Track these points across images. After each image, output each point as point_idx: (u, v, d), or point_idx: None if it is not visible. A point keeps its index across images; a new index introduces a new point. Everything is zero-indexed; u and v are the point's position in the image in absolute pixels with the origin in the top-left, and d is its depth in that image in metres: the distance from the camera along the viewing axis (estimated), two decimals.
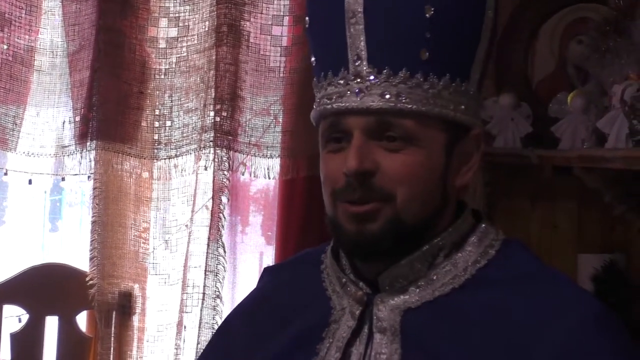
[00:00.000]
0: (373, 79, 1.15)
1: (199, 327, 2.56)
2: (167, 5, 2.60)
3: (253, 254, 2.78)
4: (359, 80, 1.15)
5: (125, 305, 2.60)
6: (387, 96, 1.13)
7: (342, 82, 1.17)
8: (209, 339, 1.60)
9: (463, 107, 1.17)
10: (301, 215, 2.61)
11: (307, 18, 1.27)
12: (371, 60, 1.15)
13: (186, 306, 2.61)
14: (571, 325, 1.07)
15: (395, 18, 1.15)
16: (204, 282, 2.59)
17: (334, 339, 1.20)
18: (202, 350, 1.62)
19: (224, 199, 2.62)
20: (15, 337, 2.56)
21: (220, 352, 1.41)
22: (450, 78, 1.15)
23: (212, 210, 2.61)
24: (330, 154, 1.18)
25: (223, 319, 1.75)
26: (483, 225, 1.22)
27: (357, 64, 1.16)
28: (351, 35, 1.16)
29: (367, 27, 1.15)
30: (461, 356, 1.11)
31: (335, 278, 1.25)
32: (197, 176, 2.64)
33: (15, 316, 2.61)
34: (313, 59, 1.25)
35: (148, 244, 2.65)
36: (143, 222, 2.65)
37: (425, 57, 1.13)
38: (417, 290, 1.17)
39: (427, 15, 1.12)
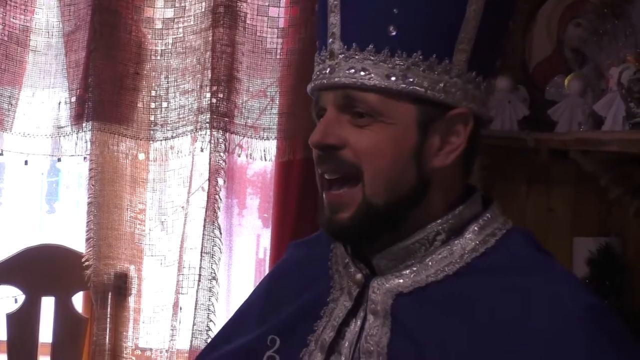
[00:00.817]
0: (342, 56, 1.16)
1: (195, 308, 2.57)
2: None
3: (250, 237, 2.79)
4: (331, 57, 1.17)
5: (121, 287, 2.62)
6: (352, 71, 1.13)
7: (321, 60, 1.20)
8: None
9: (442, 85, 1.14)
10: (298, 197, 2.61)
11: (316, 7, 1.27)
12: (342, 38, 1.16)
13: (182, 287, 2.62)
14: (559, 324, 1.07)
15: None
16: (200, 264, 2.59)
17: (331, 318, 1.21)
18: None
19: (220, 181, 2.62)
20: (11, 318, 2.57)
21: (246, 315, 1.41)
22: (423, 55, 1.13)
23: (208, 192, 2.61)
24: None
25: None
26: (488, 214, 1.19)
27: (330, 41, 1.18)
28: (330, 15, 1.18)
29: (342, 6, 1.16)
30: (446, 345, 1.11)
31: (340, 258, 1.25)
32: (193, 158, 2.65)
33: (12, 297, 2.62)
34: (317, 40, 1.26)
35: (144, 226, 2.67)
36: (139, 203, 2.66)
37: (392, 33, 1.13)
38: (412, 275, 1.17)
39: None
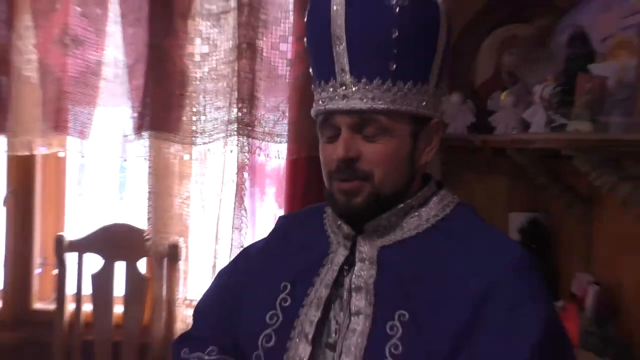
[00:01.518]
0: (354, 87, 1.18)
1: None
2: (200, 28, 2.65)
3: (268, 216, 2.81)
4: (344, 87, 1.19)
5: (173, 254, 2.70)
6: (365, 100, 1.17)
7: (331, 89, 1.21)
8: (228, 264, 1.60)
9: (424, 103, 1.20)
10: (303, 185, 2.62)
11: (304, 39, 1.33)
12: (352, 72, 1.18)
13: (217, 254, 2.69)
14: (499, 268, 1.13)
15: (369, 39, 1.17)
16: (231, 237, 2.67)
17: (332, 264, 1.26)
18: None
19: (246, 175, 2.69)
20: (94, 277, 2.73)
21: (241, 272, 1.44)
22: (413, 82, 1.18)
23: (236, 183, 2.68)
24: (325, 144, 1.23)
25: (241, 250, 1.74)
26: (442, 192, 1.28)
27: (342, 75, 1.19)
28: (337, 53, 1.19)
29: (348, 47, 1.18)
30: (418, 281, 1.16)
31: (333, 222, 1.31)
32: (225, 158, 2.71)
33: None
34: (311, 69, 1.30)
35: (189, 208, 2.74)
36: (185, 192, 2.73)
37: (393, 68, 1.17)
38: (392, 234, 1.23)
39: (393, 36, 1.16)
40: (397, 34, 1.15)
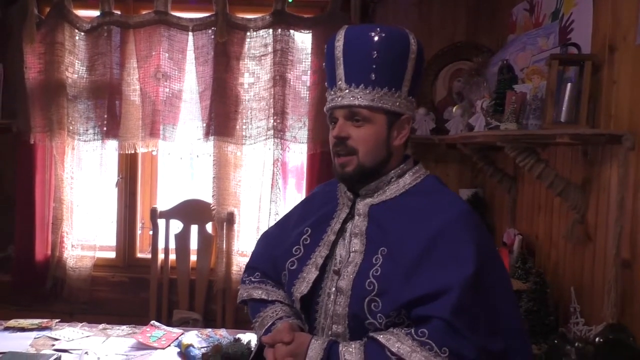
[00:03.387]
0: (347, 90, 1.17)
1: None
2: (248, 66, 2.67)
3: (293, 194, 2.84)
4: (340, 91, 1.18)
5: (230, 220, 2.70)
6: (353, 99, 1.16)
7: (333, 93, 1.20)
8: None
9: (397, 103, 1.17)
10: (318, 173, 2.64)
11: (323, 63, 1.27)
12: (346, 81, 1.17)
13: (260, 219, 2.72)
14: (448, 215, 1.12)
15: (357, 58, 1.16)
16: (269, 207, 2.68)
17: (338, 218, 1.24)
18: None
19: (279, 166, 2.69)
20: (177, 236, 2.74)
21: (284, 222, 1.41)
22: (388, 89, 1.15)
23: (272, 172, 2.70)
24: (331, 129, 1.21)
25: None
26: (417, 167, 1.24)
27: (340, 83, 1.18)
28: (337, 69, 1.18)
29: (344, 64, 1.17)
30: (398, 228, 1.14)
31: (342, 190, 1.28)
32: (265, 154, 2.71)
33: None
34: (326, 82, 1.25)
35: (240, 188, 2.73)
36: (238, 177, 2.73)
37: (373, 78, 1.15)
38: (379, 196, 1.21)
39: (373, 56, 1.14)
40: (375, 55, 1.14)
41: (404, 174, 1.22)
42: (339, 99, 1.18)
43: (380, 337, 1.04)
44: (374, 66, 1.14)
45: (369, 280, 1.10)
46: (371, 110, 1.16)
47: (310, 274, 1.20)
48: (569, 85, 1.66)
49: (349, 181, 1.22)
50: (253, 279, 1.34)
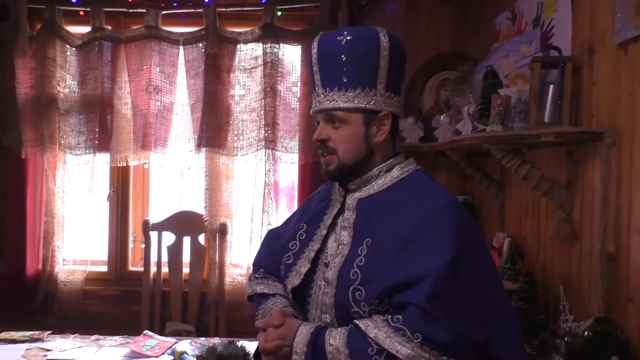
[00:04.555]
0: (323, 95, 1.20)
1: (259, 241, 2.50)
2: (238, 78, 2.70)
3: (286, 199, 2.87)
4: (318, 96, 1.22)
5: (222, 230, 2.70)
6: (328, 102, 1.19)
7: (315, 97, 1.23)
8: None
9: (373, 102, 1.18)
10: (309, 181, 2.65)
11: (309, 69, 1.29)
12: (322, 86, 1.21)
13: (252, 229, 2.71)
14: (431, 207, 1.12)
15: (329, 63, 1.19)
16: (262, 218, 2.68)
17: (330, 214, 1.27)
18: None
19: (271, 176, 2.70)
20: (169, 248, 2.74)
21: (287, 221, 1.44)
22: (362, 88, 1.17)
23: (264, 182, 2.70)
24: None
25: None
26: (406, 161, 1.25)
27: (318, 88, 1.22)
28: (315, 76, 1.22)
29: (320, 70, 1.21)
30: (383, 220, 1.15)
31: (336, 188, 1.31)
32: (257, 165, 2.72)
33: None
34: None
35: (233, 199, 2.74)
36: (230, 188, 2.73)
37: (345, 80, 1.17)
38: (367, 190, 1.22)
39: (342, 59, 1.17)
40: (344, 58, 1.16)
41: (391, 169, 1.23)
42: (318, 103, 1.22)
43: (361, 324, 1.08)
44: (345, 69, 1.17)
45: (353, 270, 1.12)
46: (347, 112, 1.19)
47: (303, 267, 1.23)
48: (551, 87, 1.72)
49: (333, 178, 1.26)
50: (257, 276, 1.38)
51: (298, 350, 1.10)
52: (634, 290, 1.42)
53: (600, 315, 1.47)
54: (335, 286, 1.15)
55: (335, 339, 1.08)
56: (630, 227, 1.44)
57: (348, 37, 1.17)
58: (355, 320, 1.10)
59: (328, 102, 1.19)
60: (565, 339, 1.45)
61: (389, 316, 1.06)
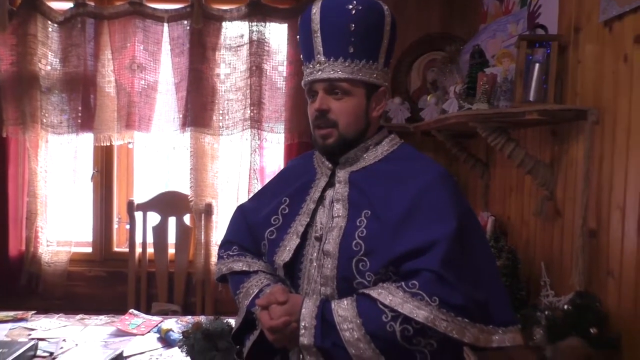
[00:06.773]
0: (326, 64, 1.17)
1: None
2: (224, 57, 2.68)
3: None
4: (319, 64, 1.18)
5: (208, 211, 2.71)
6: (332, 72, 1.16)
7: (312, 66, 1.20)
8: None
9: (375, 75, 1.18)
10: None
11: (297, 36, 1.27)
12: (325, 54, 1.17)
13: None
14: (428, 177, 1.13)
15: (335, 31, 1.16)
16: (247, 198, 2.46)
17: (317, 187, 1.25)
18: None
19: (256, 156, 2.71)
20: (155, 229, 2.75)
21: (260, 196, 1.40)
22: (366, 60, 1.17)
23: (250, 161, 2.70)
24: (311, 103, 1.22)
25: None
26: (392, 136, 1.26)
27: (318, 56, 1.18)
28: (315, 42, 1.18)
29: (322, 37, 1.17)
30: (380, 191, 1.15)
31: (319, 159, 1.29)
32: (242, 144, 2.72)
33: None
34: (301, 56, 1.24)
35: (218, 180, 2.74)
36: (215, 168, 2.73)
37: (351, 51, 1.15)
38: (359, 163, 1.22)
39: (351, 29, 1.14)
40: (353, 27, 1.15)
41: (381, 142, 1.24)
42: (319, 72, 1.18)
43: (372, 292, 1.07)
44: (352, 39, 1.15)
45: (355, 241, 1.12)
46: (351, 84, 1.17)
47: (292, 242, 1.22)
48: (537, 65, 1.72)
49: (330, 153, 1.23)
50: (231, 253, 1.34)
51: (307, 325, 1.08)
52: (613, 265, 1.45)
53: (580, 289, 1.50)
54: (337, 258, 1.13)
55: (344, 309, 1.07)
56: (611, 203, 1.47)
57: (359, 7, 1.15)
58: (362, 290, 1.09)
59: (332, 71, 1.16)
60: (546, 312, 1.48)
61: (402, 282, 1.05)
